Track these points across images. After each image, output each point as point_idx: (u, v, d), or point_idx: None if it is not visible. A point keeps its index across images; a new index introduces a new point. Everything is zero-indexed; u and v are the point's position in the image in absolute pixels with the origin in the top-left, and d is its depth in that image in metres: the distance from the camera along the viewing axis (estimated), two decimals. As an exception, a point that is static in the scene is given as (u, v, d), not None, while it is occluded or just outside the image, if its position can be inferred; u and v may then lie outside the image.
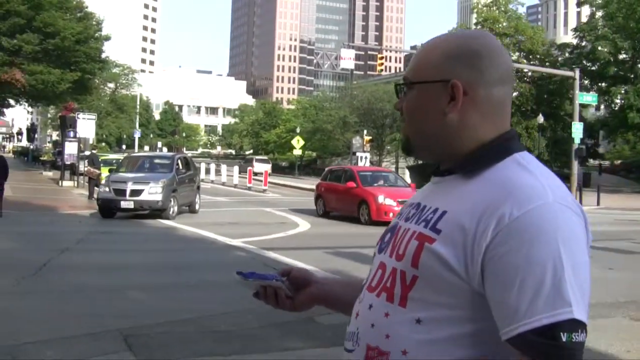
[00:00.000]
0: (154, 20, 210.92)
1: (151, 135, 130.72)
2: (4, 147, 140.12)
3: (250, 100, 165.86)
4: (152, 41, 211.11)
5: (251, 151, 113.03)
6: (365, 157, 46.34)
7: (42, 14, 47.87)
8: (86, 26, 54.31)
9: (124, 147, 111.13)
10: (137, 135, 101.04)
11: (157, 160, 26.81)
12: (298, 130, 76.89)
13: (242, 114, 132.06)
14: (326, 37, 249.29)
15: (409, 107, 1.88)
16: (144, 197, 22.74)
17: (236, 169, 47.51)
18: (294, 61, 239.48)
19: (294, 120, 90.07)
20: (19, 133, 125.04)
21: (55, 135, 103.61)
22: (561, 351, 1.56)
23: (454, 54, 1.82)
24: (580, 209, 1.71)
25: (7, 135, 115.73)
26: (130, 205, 22.72)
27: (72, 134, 38.52)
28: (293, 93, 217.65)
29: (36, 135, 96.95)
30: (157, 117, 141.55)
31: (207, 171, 52.65)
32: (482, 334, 1.68)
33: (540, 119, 52.60)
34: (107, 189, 23.08)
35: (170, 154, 32.98)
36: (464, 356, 1.69)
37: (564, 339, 1.55)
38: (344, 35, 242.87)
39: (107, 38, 59.12)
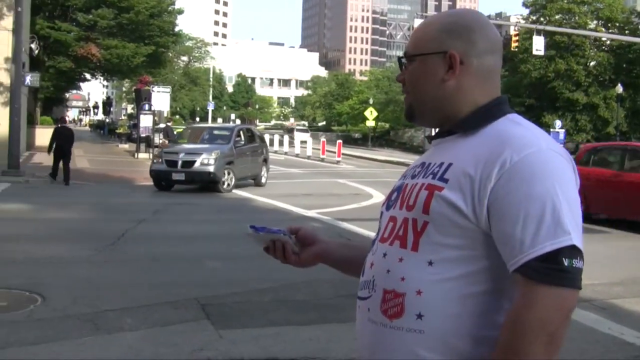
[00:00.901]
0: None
1: (224, 108, 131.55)
2: (80, 120, 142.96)
3: (322, 72, 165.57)
4: (225, 14, 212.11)
5: (324, 122, 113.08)
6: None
7: (116, -11, 48.41)
8: (159, 0, 54.76)
9: (197, 119, 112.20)
10: (210, 107, 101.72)
11: (216, 132, 26.13)
12: (371, 101, 76.63)
13: (315, 86, 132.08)
14: (399, 7, 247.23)
15: (411, 78, 2.12)
16: (195, 168, 22.17)
17: (310, 140, 47.53)
18: (366, 32, 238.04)
19: (366, 92, 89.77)
20: (95, 107, 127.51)
21: (130, 109, 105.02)
22: (564, 274, 1.77)
23: (449, 28, 2.07)
24: (568, 155, 1.94)
25: (84, 109, 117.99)
26: (182, 177, 22.33)
27: (147, 106, 38.99)
28: (365, 64, 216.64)
29: (112, 109, 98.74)
30: (230, 89, 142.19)
31: (281, 143, 52.81)
32: (489, 271, 1.89)
33: (619, 88, 51.40)
34: (160, 161, 22.81)
35: (231, 125, 32.51)
36: (473, 292, 1.89)
37: (565, 264, 1.78)
38: (417, 6, 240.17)
39: (180, 11, 59.50)
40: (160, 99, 39.20)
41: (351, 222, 15.22)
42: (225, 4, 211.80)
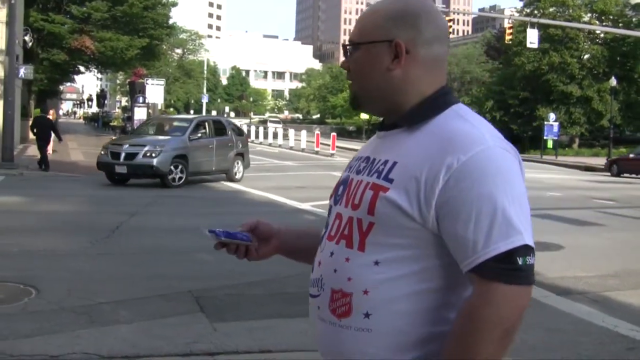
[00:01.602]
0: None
1: (219, 100, 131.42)
2: (74, 113, 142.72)
3: (317, 65, 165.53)
4: (219, 6, 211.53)
5: (318, 115, 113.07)
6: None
7: (111, -19, 48.32)
8: (153, -8, 54.70)
9: (192, 112, 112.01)
10: (204, 100, 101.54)
11: (175, 123, 24.61)
12: (365, 94, 76.48)
13: (309, 78, 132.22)
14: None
15: (356, 66, 2.07)
16: (137, 160, 21.15)
17: (304, 133, 47.50)
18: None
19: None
20: (89, 99, 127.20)
21: (124, 101, 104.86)
22: (519, 272, 1.80)
23: (395, 15, 2.01)
24: (514, 150, 1.94)
25: (78, 102, 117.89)
26: (124, 169, 21.41)
27: (141, 99, 38.98)
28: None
29: (106, 101, 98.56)
30: (224, 82, 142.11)
31: (275, 135, 52.80)
32: (435, 269, 1.90)
33: (613, 81, 51.36)
34: (106, 152, 21.95)
35: (191, 116, 30.06)
36: (420, 289, 1.90)
37: (520, 263, 1.80)
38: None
39: (174, 4, 59.46)
40: (155, 91, 39.21)
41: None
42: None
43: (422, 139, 1.94)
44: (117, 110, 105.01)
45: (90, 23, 49.63)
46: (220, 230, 2.32)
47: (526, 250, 1.81)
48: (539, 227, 8.44)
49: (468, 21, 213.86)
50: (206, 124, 24.28)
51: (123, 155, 21.32)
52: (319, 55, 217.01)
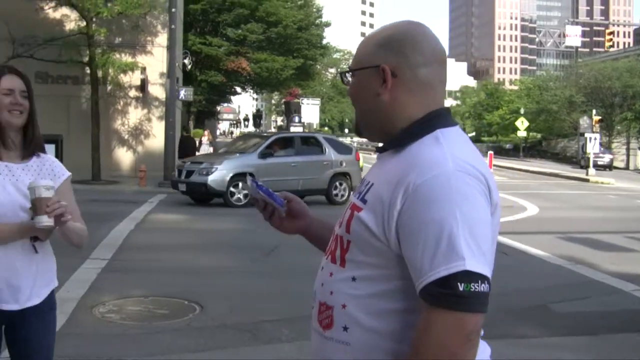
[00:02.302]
0: (371, 4, 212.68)
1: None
2: (231, 132, 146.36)
3: (471, 82, 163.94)
4: (371, 25, 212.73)
5: (474, 133, 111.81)
6: (595, 138, 44.07)
7: (265, 4, 49.24)
8: (307, 14, 55.51)
9: (346, 130, 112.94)
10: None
11: (253, 141, 22.95)
12: (522, 111, 75.05)
13: (464, 96, 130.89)
14: (548, 14, 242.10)
15: (352, 92, 2.18)
16: (192, 178, 20.32)
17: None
18: (515, 40, 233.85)
19: (517, 101, 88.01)
20: (246, 119, 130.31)
21: (279, 121, 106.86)
22: (460, 299, 1.79)
23: (383, 42, 2.10)
24: (482, 175, 1.93)
25: (234, 122, 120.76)
26: (184, 188, 20.68)
27: (296, 119, 39.61)
28: (515, 73, 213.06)
29: (262, 121, 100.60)
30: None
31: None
32: (402, 290, 1.95)
33: None
34: (176, 170, 21.69)
35: (272, 133, 28.29)
36: (392, 308, 1.97)
37: (461, 289, 1.79)
38: (567, 12, 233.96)
39: (328, 24, 60.17)
40: (310, 111, 39.77)
41: (505, 236, 14.84)
42: (372, 15, 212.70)
43: (396, 163, 2.01)
44: (272, 129, 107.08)
45: (246, 45, 50.79)
46: (262, 185, 2.48)
47: (468, 276, 1.80)
48: None
49: (629, 33, 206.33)
50: (293, 140, 22.63)
51: (184, 173, 20.80)
52: (473, 72, 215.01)
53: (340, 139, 25.42)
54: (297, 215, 2.58)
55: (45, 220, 3.11)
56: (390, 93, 2.07)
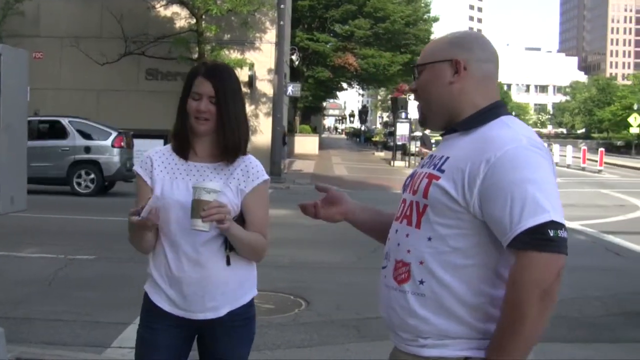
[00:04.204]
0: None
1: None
2: (336, 128, 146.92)
3: (582, 77, 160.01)
4: (479, 20, 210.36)
5: (583, 130, 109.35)
6: None
7: (372, 0, 49.26)
8: (415, 9, 55.20)
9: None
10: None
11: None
12: (635, 107, 72.90)
13: (574, 92, 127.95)
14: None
15: (422, 84, 2.53)
16: None
17: (569, 148, 45.80)
18: (630, 33, 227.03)
19: (630, 97, 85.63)
20: (351, 115, 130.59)
21: (385, 117, 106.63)
22: (551, 242, 2.15)
23: (455, 41, 2.51)
24: (546, 150, 2.32)
25: (340, 117, 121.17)
26: None
27: (403, 115, 39.36)
28: (629, 68, 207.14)
29: (367, 117, 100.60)
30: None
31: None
32: (476, 247, 2.30)
33: None
34: None
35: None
36: (464, 263, 2.30)
37: (551, 234, 2.16)
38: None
39: (436, 19, 59.66)
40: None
41: (618, 235, 14.44)
42: (480, 9, 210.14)
43: (470, 140, 2.37)
44: (378, 125, 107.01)
45: (353, 41, 50.90)
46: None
47: (555, 225, 2.17)
48: None
49: None
50: (32, 125, 19.19)
51: None
52: (584, 67, 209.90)
53: (101, 125, 22.11)
54: (335, 201, 2.96)
55: (199, 225, 3.01)
56: (460, 83, 2.45)
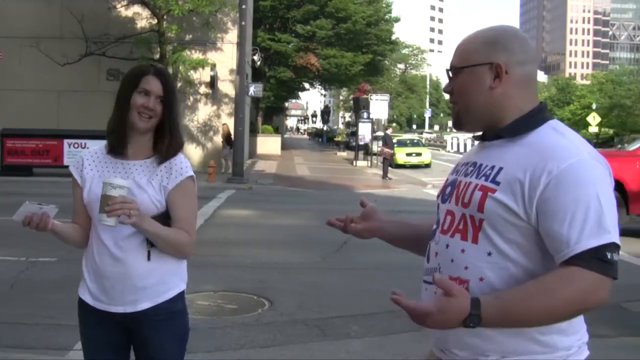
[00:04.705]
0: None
1: (441, 115, 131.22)
2: (298, 128, 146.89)
3: (542, 77, 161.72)
4: (440, 20, 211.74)
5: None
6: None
7: (334, 0, 49.35)
8: (376, 9, 55.42)
9: (414, 127, 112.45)
10: (427, 115, 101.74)
11: None
12: (594, 106, 73.78)
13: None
14: (622, 6, 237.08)
15: (459, 88, 2.42)
16: None
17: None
18: (588, 34, 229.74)
19: (589, 97, 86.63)
20: (314, 115, 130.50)
21: (347, 117, 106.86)
22: (609, 265, 2.11)
23: (493, 41, 2.37)
24: (606, 162, 2.24)
25: (302, 118, 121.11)
26: None
27: (365, 115, 39.47)
28: (587, 68, 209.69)
29: (330, 117, 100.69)
30: (446, 96, 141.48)
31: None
32: (539, 259, 2.22)
33: None
34: None
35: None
36: (521, 275, 2.22)
37: (609, 257, 2.11)
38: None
39: (397, 20, 60.01)
40: (379, 107, 39.58)
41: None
42: (441, 10, 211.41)
43: (523, 149, 2.27)
44: (340, 125, 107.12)
45: (314, 41, 50.93)
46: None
47: (614, 247, 2.13)
48: None
49: None
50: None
51: None
52: (544, 67, 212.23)
53: None
54: (369, 217, 2.86)
55: (105, 219, 3.07)
56: (502, 87, 2.34)
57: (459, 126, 2.52)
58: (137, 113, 3.29)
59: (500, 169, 2.27)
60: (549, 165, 2.16)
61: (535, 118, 2.34)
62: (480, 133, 2.49)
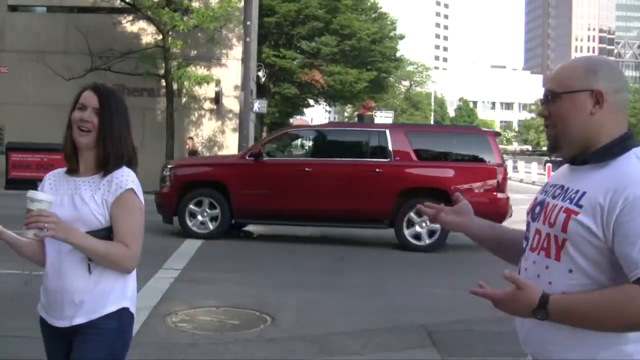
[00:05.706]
0: (446, 17, 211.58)
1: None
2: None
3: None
4: (445, 38, 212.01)
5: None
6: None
7: (339, 17, 49.39)
8: (381, 26, 55.49)
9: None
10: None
11: None
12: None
13: (539, 109, 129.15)
14: (628, 24, 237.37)
15: (558, 112, 2.56)
16: None
17: (534, 165, 46.16)
18: (593, 52, 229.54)
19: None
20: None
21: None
22: None
23: (593, 69, 2.52)
24: None
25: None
26: None
27: (369, 131, 39.50)
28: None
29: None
30: (451, 113, 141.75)
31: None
32: (616, 277, 2.37)
33: None
34: None
35: None
36: (597, 289, 2.39)
37: None
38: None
39: (402, 37, 60.04)
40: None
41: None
42: (446, 27, 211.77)
43: (606, 175, 2.44)
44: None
45: (319, 58, 50.98)
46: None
47: None
48: None
49: None
50: None
51: None
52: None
53: None
54: (460, 212, 3.02)
55: (26, 232, 3.15)
56: (601, 114, 2.49)
57: (555, 150, 2.64)
58: (77, 128, 3.36)
59: (584, 193, 2.45)
60: (626, 191, 2.34)
61: (620, 146, 2.49)
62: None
